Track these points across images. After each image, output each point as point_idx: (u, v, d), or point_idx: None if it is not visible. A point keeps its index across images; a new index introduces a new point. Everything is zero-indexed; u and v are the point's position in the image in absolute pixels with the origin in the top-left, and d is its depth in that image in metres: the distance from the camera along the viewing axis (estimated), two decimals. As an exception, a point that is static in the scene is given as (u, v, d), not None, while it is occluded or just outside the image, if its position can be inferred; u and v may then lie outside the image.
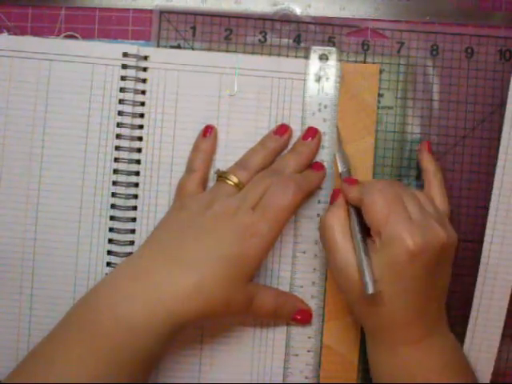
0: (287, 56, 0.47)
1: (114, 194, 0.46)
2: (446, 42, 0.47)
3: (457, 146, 0.47)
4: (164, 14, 0.47)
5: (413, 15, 0.47)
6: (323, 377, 0.47)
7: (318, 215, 0.46)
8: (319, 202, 0.46)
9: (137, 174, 0.46)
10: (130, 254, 0.46)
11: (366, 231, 0.41)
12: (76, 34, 0.47)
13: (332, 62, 0.46)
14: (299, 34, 0.47)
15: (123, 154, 0.46)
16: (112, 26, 0.47)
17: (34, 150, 0.46)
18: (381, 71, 0.47)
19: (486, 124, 0.47)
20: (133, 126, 0.46)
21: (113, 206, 0.46)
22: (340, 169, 0.45)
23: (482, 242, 0.46)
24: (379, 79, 0.47)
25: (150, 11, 0.47)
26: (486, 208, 0.46)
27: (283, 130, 0.46)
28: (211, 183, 0.46)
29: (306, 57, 0.47)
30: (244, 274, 0.41)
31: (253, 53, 0.47)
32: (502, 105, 0.47)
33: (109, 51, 0.46)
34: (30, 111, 0.46)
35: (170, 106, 0.46)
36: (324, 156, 0.46)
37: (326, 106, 0.46)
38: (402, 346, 0.41)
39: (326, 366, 0.47)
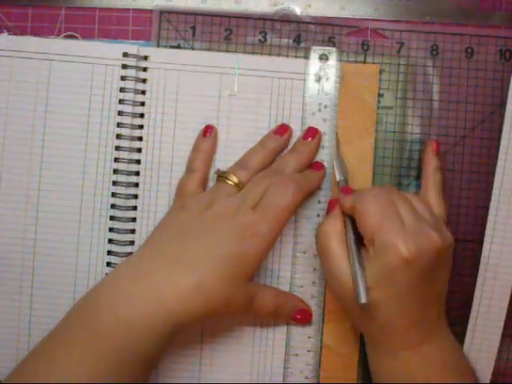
0: (287, 56, 0.47)
1: (114, 194, 0.46)
2: (446, 42, 0.47)
3: (457, 146, 0.48)
4: (164, 13, 0.47)
5: (413, 15, 0.47)
6: (323, 377, 0.47)
7: (318, 215, 0.46)
8: (319, 201, 0.46)
9: (137, 174, 0.46)
10: (130, 254, 0.46)
11: (361, 241, 0.41)
12: (76, 34, 0.47)
13: (332, 62, 0.46)
14: (299, 34, 0.47)
15: (123, 154, 0.46)
16: (112, 25, 0.47)
17: (34, 150, 0.46)
18: (381, 71, 0.47)
19: (486, 124, 0.47)
20: (133, 126, 0.46)
21: (113, 206, 0.46)
22: (337, 177, 0.45)
23: (482, 242, 0.46)
24: (379, 79, 0.47)
25: (150, 11, 0.47)
26: (486, 208, 0.46)
27: (283, 129, 0.46)
28: (211, 183, 0.46)
29: (306, 57, 0.47)
30: (244, 274, 0.41)
31: (253, 53, 0.47)
32: (502, 105, 0.47)
33: (109, 51, 0.46)
34: (29, 111, 0.46)
35: (169, 106, 0.46)
36: (324, 156, 0.46)
37: (326, 106, 0.46)
38: (401, 350, 0.41)
39: (326, 366, 0.47)
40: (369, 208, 0.40)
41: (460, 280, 0.47)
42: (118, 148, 0.46)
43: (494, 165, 0.46)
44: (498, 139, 0.46)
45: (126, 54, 0.46)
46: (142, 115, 0.46)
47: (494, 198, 0.46)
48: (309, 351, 0.47)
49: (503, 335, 0.46)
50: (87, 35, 0.47)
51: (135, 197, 0.46)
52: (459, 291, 0.47)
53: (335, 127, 0.46)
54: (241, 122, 0.46)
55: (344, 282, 0.40)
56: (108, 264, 0.46)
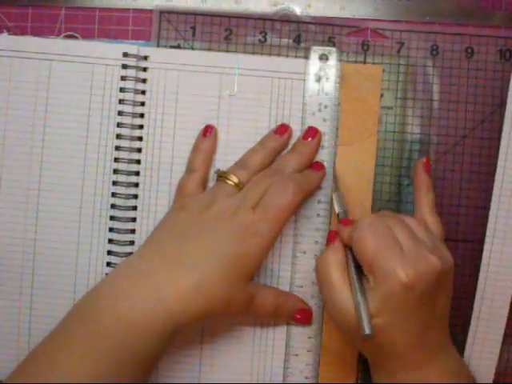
0: (287, 56, 0.47)
1: (114, 194, 0.46)
2: (446, 42, 0.47)
3: (457, 146, 0.47)
4: (164, 13, 0.47)
5: (413, 15, 0.47)
6: (323, 377, 0.47)
7: (318, 215, 0.46)
8: (319, 201, 0.46)
9: (137, 174, 0.46)
10: (130, 254, 0.46)
11: (362, 271, 0.40)
12: (76, 34, 0.47)
13: (332, 62, 0.46)
14: (299, 34, 0.47)
15: (123, 154, 0.46)
16: (112, 25, 0.47)
17: (34, 150, 0.46)
18: (381, 71, 0.47)
19: (486, 124, 0.47)
20: (133, 126, 0.46)
21: (113, 206, 0.46)
22: (337, 210, 0.45)
23: (482, 242, 0.46)
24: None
25: (150, 11, 0.47)
26: (486, 208, 0.46)
27: (283, 129, 0.46)
28: (211, 183, 0.46)
29: (306, 57, 0.47)
30: (244, 274, 0.41)
31: (253, 53, 0.47)
32: (502, 105, 0.47)
33: (109, 51, 0.46)
34: (29, 111, 0.46)
35: (169, 106, 0.46)
36: (324, 156, 0.46)
37: (326, 106, 0.46)
38: (400, 372, 0.40)
39: (326, 366, 0.47)
40: (366, 237, 0.39)
41: (460, 280, 0.47)
42: (117, 148, 0.46)
43: (494, 165, 0.46)
44: (498, 139, 0.46)
45: (126, 54, 0.46)
46: (142, 115, 0.46)
47: (494, 198, 0.45)
48: (309, 351, 0.47)
49: (504, 335, 0.46)
50: (87, 35, 0.47)
51: (135, 197, 0.46)
52: (459, 292, 0.47)
53: (335, 127, 0.46)
54: (241, 122, 0.46)
55: (345, 309, 0.40)
56: (108, 264, 0.46)
